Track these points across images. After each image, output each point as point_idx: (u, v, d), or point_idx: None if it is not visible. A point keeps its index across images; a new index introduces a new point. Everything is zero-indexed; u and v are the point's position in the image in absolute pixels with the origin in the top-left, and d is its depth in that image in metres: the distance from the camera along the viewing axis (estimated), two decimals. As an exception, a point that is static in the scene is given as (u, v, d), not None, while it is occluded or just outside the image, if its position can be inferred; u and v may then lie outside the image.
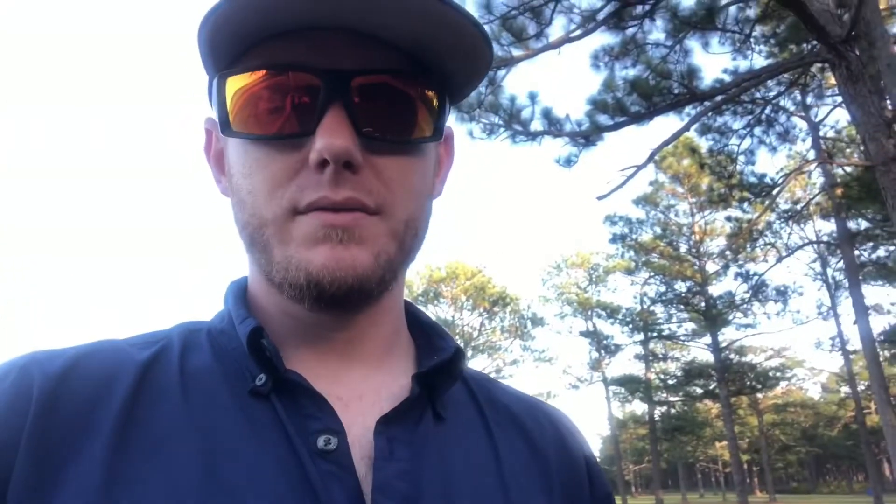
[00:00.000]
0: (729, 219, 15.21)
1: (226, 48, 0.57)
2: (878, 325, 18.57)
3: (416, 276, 32.62)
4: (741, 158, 11.72)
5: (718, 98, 8.63)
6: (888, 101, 6.86)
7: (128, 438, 0.51)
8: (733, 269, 21.41)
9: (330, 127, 0.53)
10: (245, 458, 0.52)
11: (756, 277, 20.37)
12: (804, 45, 9.38)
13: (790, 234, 19.23)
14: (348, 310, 0.59)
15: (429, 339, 0.67)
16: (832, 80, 9.69)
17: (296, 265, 0.55)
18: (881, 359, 18.31)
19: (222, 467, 0.51)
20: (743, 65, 9.56)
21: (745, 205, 13.82)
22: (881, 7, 9.42)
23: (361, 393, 0.60)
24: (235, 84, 0.56)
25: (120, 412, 0.52)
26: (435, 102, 0.59)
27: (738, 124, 11.01)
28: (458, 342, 0.64)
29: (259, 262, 0.59)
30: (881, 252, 18.07)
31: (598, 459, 0.64)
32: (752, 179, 12.38)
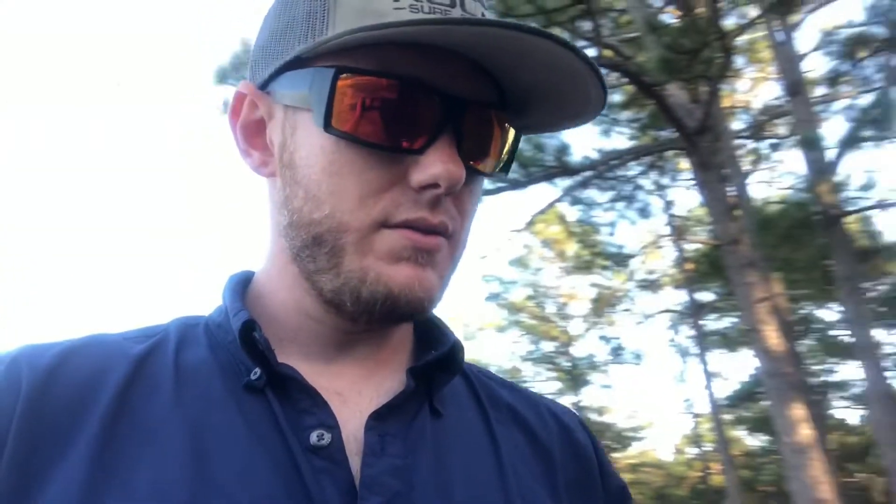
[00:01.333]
0: (592, 285, 16.18)
1: (341, 41, 0.52)
2: (721, 390, 20.14)
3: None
4: (605, 229, 12.64)
5: (588, 173, 9.33)
6: (730, 189, 7.72)
7: (118, 432, 0.50)
8: (595, 332, 22.62)
9: (447, 153, 0.52)
10: (236, 452, 0.50)
11: (615, 340, 21.63)
12: (662, 131, 10.38)
13: (646, 301, 20.71)
14: (392, 324, 0.59)
15: (428, 333, 0.65)
16: (685, 165, 10.79)
17: (375, 278, 0.53)
18: (724, 422, 19.80)
19: (213, 462, 0.49)
20: (609, 144, 10.44)
21: (607, 272, 14.80)
22: (725, 106, 10.65)
23: (361, 388, 0.59)
24: (349, 81, 0.53)
25: (111, 405, 0.51)
26: (513, 140, 0.59)
27: (603, 198, 11.89)
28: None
29: (315, 263, 0.56)
30: (724, 323, 19.81)
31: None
32: (613, 249, 13.32)
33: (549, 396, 0.73)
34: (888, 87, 9.05)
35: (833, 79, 10.35)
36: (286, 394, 0.54)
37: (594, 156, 9.93)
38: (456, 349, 0.61)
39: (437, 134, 0.53)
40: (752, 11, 7.31)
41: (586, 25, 6.26)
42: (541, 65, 0.52)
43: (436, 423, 0.59)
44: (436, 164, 0.52)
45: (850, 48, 9.93)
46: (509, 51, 0.51)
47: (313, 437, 0.52)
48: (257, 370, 0.55)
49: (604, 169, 9.39)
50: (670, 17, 7.89)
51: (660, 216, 15.83)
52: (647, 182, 12.95)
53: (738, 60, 10.70)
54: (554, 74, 0.53)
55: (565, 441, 0.67)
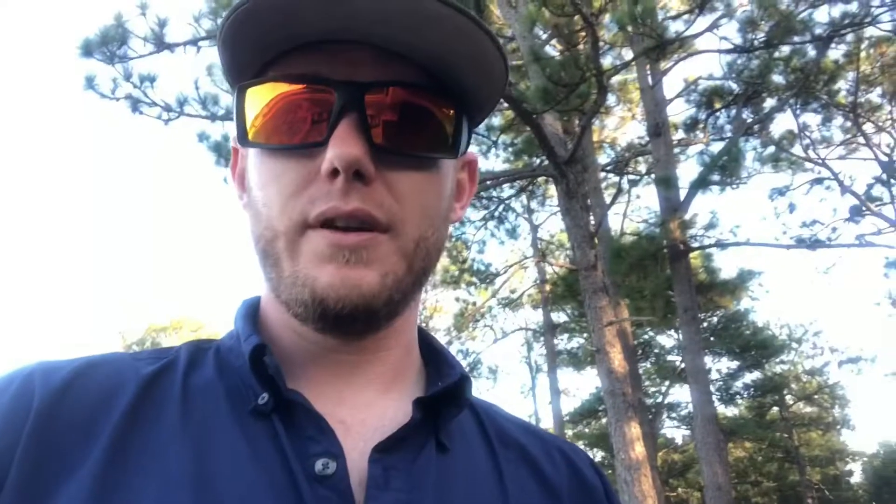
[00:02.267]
0: (457, 299, 16.53)
1: (245, 61, 0.56)
2: (565, 406, 21.20)
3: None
4: (474, 247, 13.00)
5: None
6: (592, 218, 8.21)
7: (124, 452, 0.50)
8: (456, 346, 23.12)
9: (341, 136, 0.52)
10: (241, 477, 0.50)
11: (474, 355, 22.21)
12: (534, 158, 10.87)
13: (505, 319, 21.46)
14: (355, 331, 0.56)
15: (438, 366, 0.64)
16: (552, 192, 11.34)
17: (302, 281, 0.53)
18: (567, 437, 20.83)
19: (217, 485, 0.49)
20: (485, 165, 10.76)
21: (472, 288, 15.20)
22: (594, 140, 11.32)
23: (364, 417, 0.58)
24: (253, 95, 0.55)
25: (119, 425, 0.51)
26: (452, 119, 0.58)
27: (476, 216, 12.24)
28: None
29: (270, 277, 0.57)
30: (574, 343, 20.95)
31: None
32: (481, 267, 13.71)
33: (561, 437, 0.73)
34: (736, 138, 10.02)
35: (691, 125, 11.34)
36: (292, 420, 0.54)
37: (470, 173, 10.21)
38: (464, 382, 0.60)
39: (336, 122, 0.53)
40: (628, 54, 7.85)
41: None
42: (428, 30, 0.53)
43: (442, 459, 0.57)
44: (330, 149, 0.52)
45: (708, 99, 10.94)
46: (397, 24, 0.52)
47: (318, 466, 0.51)
48: (265, 395, 0.54)
49: (479, 188, 9.63)
50: (554, 49, 8.31)
51: (526, 238, 16.47)
52: (517, 205, 13.49)
53: (610, 98, 11.41)
54: (448, 40, 0.53)
55: (574, 482, 0.65)
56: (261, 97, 0.55)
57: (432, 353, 0.67)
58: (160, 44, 6.36)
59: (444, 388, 0.59)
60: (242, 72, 0.57)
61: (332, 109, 0.53)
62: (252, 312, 0.63)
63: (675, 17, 9.57)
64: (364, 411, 0.58)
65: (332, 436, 0.53)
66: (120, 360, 0.58)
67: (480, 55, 0.55)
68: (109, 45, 6.19)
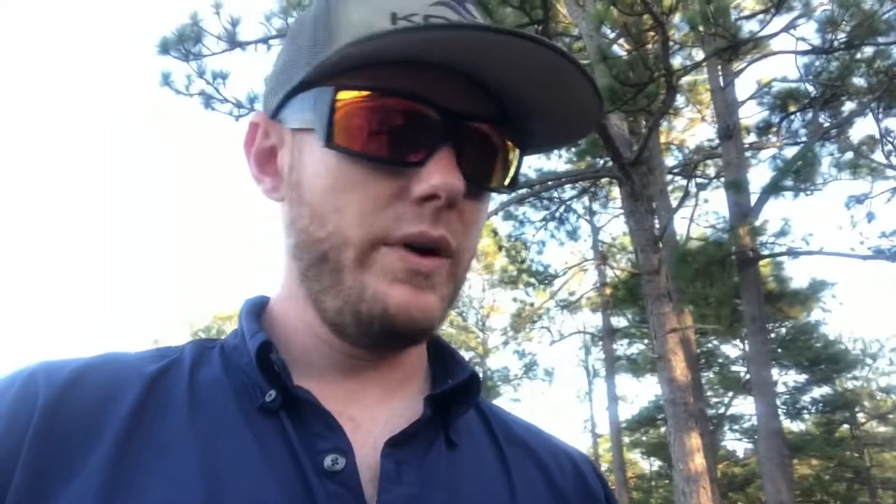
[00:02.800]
0: (514, 300, 16.46)
1: (336, 60, 0.52)
2: (623, 413, 20.85)
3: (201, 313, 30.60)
4: (534, 247, 12.89)
5: (524, 191, 9.51)
6: (657, 222, 8.03)
7: (130, 450, 0.50)
8: (511, 346, 23.05)
9: (447, 165, 0.52)
10: (249, 475, 0.50)
11: (530, 356, 22.09)
12: (598, 159, 10.71)
13: (563, 321, 21.26)
14: (398, 348, 0.58)
15: (445, 363, 0.65)
16: (616, 194, 11.14)
17: (372, 296, 0.53)
18: (623, 444, 20.49)
19: (225, 484, 0.49)
20: (547, 165, 10.68)
21: (530, 289, 15.11)
22: (661, 141, 11.07)
23: (374, 415, 0.58)
24: (349, 97, 0.54)
25: (124, 423, 0.51)
26: (518, 157, 0.60)
27: (536, 216, 12.15)
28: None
29: (319, 281, 0.56)
30: (634, 349, 20.55)
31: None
32: (539, 268, 13.60)
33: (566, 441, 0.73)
34: (812, 142, 9.62)
35: (763, 128, 10.95)
36: (300, 417, 0.54)
37: (532, 175, 10.15)
38: (474, 379, 0.60)
39: (436, 146, 0.53)
40: (699, 54, 7.64)
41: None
42: (526, 70, 0.52)
43: (451, 455, 0.58)
44: (434, 175, 0.52)
45: (783, 101, 10.54)
46: (493, 58, 0.52)
47: (327, 462, 0.51)
48: (272, 392, 0.54)
49: (540, 189, 9.58)
50: (621, 49, 8.16)
51: (587, 240, 16.25)
52: (578, 206, 13.31)
53: (679, 99, 11.13)
54: (542, 80, 0.53)
55: (580, 487, 0.66)
56: (357, 101, 0.54)
57: (439, 351, 0.67)
58: (232, 42, 6.56)
59: (455, 385, 0.59)
60: (321, 67, 0.54)
61: (434, 134, 0.53)
62: (257, 311, 0.63)
63: (749, 17, 9.27)
64: (374, 409, 0.59)
65: (341, 432, 0.53)
66: (124, 359, 0.58)
67: (574, 106, 0.56)
68: (185, 42, 6.42)
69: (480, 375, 0.62)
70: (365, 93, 0.53)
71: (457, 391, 0.59)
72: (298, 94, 0.58)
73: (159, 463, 0.49)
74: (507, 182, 0.59)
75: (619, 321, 19.61)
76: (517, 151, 0.60)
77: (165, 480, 0.48)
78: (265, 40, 6.75)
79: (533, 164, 12.24)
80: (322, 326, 0.58)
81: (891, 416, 21.94)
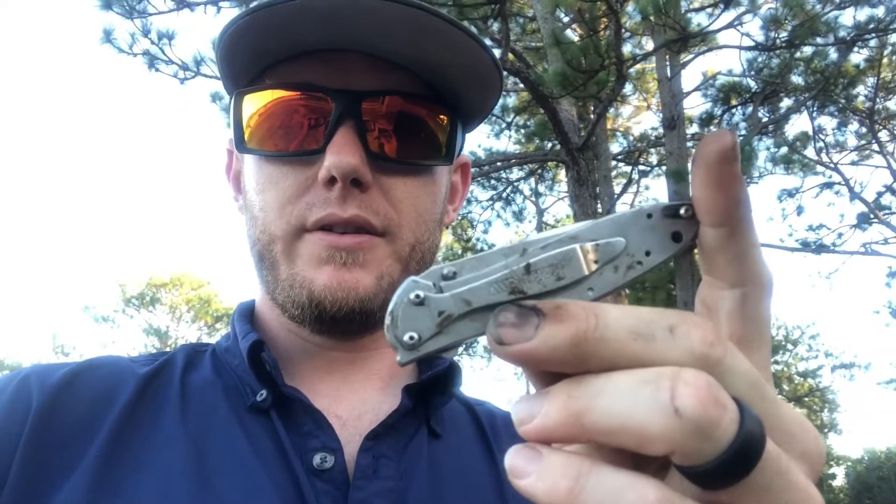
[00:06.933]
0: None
1: (243, 67, 0.57)
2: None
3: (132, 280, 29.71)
4: (479, 227, 13.00)
5: (473, 170, 9.56)
6: (600, 206, 8.21)
7: (122, 450, 0.50)
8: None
9: (339, 144, 0.52)
10: (240, 473, 0.51)
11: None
12: (546, 142, 10.83)
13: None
14: (351, 332, 0.58)
15: (428, 358, 0.65)
16: (562, 177, 11.31)
17: (300, 283, 0.54)
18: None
19: (217, 481, 0.49)
20: (497, 145, 10.74)
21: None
22: (608, 128, 11.26)
23: (361, 412, 0.59)
24: (251, 102, 0.56)
25: (117, 424, 0.51)
26: (447, 127, 0.59)
27: (483, 196, 12.22)
28: None
29: (266, 279, 0.58)
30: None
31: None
32: (485, 246, 13.73)
33: None
34: (750, 136, 9.97)
35: (706, 120, 11.26)
36: (290, 416, 0.55)
37: (481, 155, 10.19)
38: (453, 369, 0.60)
39: (334, 130, 0.53)
40: (648, 43, 7.77)
41: (496, 27, 6.40)
42: (394, 32, 0.53)
43: (434, 445, 0.58)
44: (328, 157, 0.53)
45: (726, 95, 10.85)
46: (392, 34, 0.52)
47: (316, 460, 0.52)
48: (263, 392, 0.55)
49: (489, 169, 9.63)
50: (574, 33, 8.24)
51: (531, 221, 16.45)
52: (525, 187, 13.45)
53: (627, 87, 11.34)
54: (409, 38, 0.53)
55: None
56: (258, 104, 0.56)
57: None
58: (180, 1, 6.32)
59: (433, 375, 0.59)
60: (240, 78, 0.58)
61: (330, 117, 0.54)
62: (248, 314, 0.64)
63: (698, 10, 9.47)
64: (360, 406, 0.59)
65: (330, 430, 0.54)
66: (116, 362, 0.59)
67: (476, 65, 0.57)
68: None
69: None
70: (262, 93, 0.56)
71: (436, 381, 0.60)
72: None
73: (151, 461, 0.50)
74: (443, 153, 0.59)
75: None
76: (447, 120, 0.59)
77: (157, 479, 0.49)
78: (215, 1, 6.53)
79: (483, 144, 12.29)
80: (288, 321, 0.59)
81: (806, 399, 23.21)
